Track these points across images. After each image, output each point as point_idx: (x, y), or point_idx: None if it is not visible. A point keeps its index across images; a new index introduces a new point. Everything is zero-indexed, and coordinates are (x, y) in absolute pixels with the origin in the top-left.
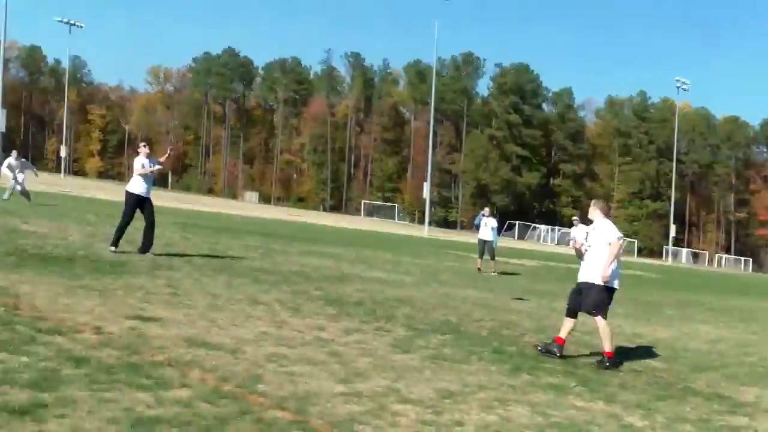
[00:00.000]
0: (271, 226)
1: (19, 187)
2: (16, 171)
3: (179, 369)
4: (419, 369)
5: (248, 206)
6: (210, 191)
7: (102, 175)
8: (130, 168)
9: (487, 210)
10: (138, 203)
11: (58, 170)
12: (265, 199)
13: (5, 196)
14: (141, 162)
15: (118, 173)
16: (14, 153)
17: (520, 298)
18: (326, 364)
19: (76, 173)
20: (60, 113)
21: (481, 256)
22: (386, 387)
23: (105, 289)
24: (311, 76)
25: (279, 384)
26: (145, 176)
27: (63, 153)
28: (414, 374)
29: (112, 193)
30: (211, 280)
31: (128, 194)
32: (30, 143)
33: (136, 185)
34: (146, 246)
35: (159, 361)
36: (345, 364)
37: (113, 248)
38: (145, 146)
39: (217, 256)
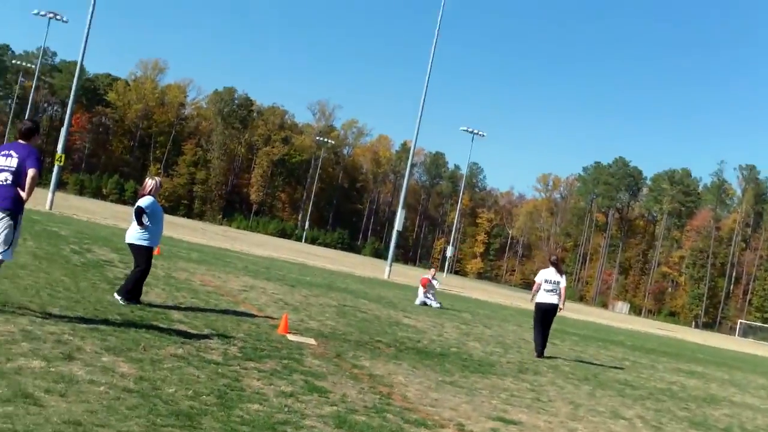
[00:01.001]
0: (640, 339)
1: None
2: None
3: None
4: None
5: (618, 316)
6: (581, 298)
7: (480, 275)
8: (509, 271)
9: None
10: None
11: (441, 269)
12: (635, 310)
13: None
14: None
15: (495, 275)
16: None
17: None
18: None
19: (457, 272)
20: (452, 216)
21: None
22: None
23: (472, 388)
24: (700, 188)
25: None
26: None
27: (449, 253)
28: None
29: (492, 294)
30: (575, 389)
31: None
32: (420, 242)
33: None
34: None
35: None
36: None
37: None
38: None
39: (582, 365)
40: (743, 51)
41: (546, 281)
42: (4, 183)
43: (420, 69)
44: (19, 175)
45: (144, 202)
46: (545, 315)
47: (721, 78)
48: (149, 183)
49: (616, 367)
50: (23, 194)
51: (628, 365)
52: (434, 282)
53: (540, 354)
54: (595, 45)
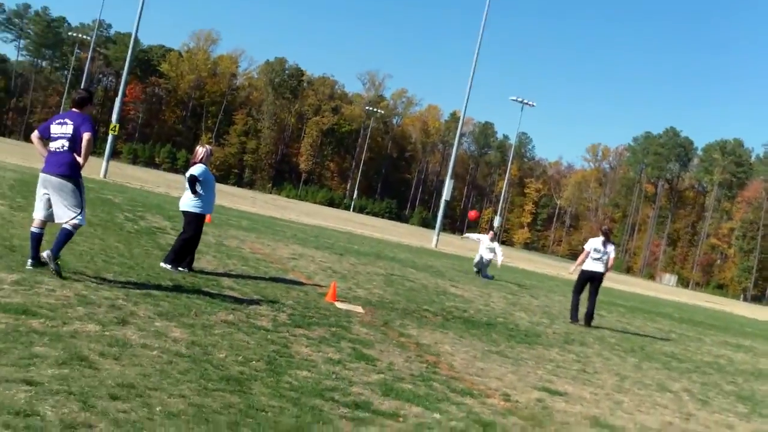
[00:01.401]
0: (687, 311)
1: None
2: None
3: None
4: None
5: (665, 288)
6: (628, 270)
7: (527, 245)
8: (555, 241)
9: None
10: None
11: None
12: (683, 282)
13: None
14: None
15: (542, 245)
16: (490, 234)
17: None
18: None
19: (503, 242)
20: (500, 185)
21: None
22: None
23: (518, 358)
24: (752, 158)
25: None
26: None
27: (496, 223)
28: None
29: (538, 264)
30: (621, 361)
31: None
32: (468, 211)
33: None
34: None
35: None
36: None
37: None
38: None
39: (629, 337)
40: None
41: (595, 250)
42: (61, 149)
43: (470, 39)
44: (74, 141)
45: (196, 170)
46: (589, 282)
47: None
48: (200, 151)
49: (662, 339)
50: (80, 159)
51: (674, 338)
52: (495, 247)
53: (574, 319)
54: (644, 13)
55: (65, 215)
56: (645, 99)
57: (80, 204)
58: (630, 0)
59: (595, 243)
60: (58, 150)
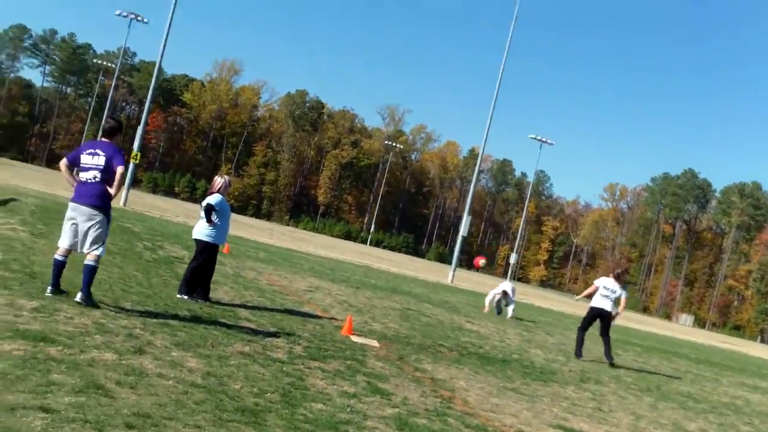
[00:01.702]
0: (704, 352)
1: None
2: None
3: None
4: None
5: (681, 328)
6: (645, 309)
7: (543, 283)
8: (572, 279)
9: None
10: None
11: (504, 275)
12: (699, 323)
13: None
14: None
15: (558, 283)
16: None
17: None
18: None
19: (519, 279)
20: (517, 222)
21: None
22: None
23: (533, 395)
24: None
25: None
26: None
27: (512, 260)
28: None
29: (554, 302)
30: (637, 400)
31: None
32: (484, 248)
33: None
34: None
35: None
36: None
37: None
38: None
39: (645, 376)
40: None
41: (604, 287)
42: (93, 180)
43: (490, 77)
44: (107, 172)
45: (214, 199)
46: (599, 319)
47: None
48: (218, 181)
49: (679, 379)
50: (111, 191)
51: (691, 378)
52: (510, 291)
53: (578, 355)
54: (663, 55)
55: (89, 246)
56: (663, 139)
57: (104, 236)
58: (649, 41)
59: (606, 282)
60: (89, 181)
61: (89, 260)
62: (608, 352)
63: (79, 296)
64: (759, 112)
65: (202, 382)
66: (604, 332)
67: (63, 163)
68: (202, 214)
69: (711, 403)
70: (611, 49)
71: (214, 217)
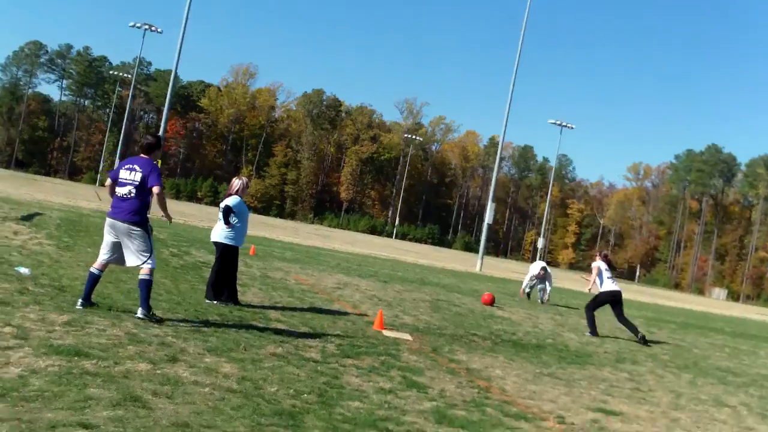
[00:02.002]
0: (739, 325)
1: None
2: (544, 282)
3: None
4: None
5: (715, 303)
6: (677, 286)
7: (572, 266)
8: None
9: None
10: None
11: (533, 260)
12: (733, 296)
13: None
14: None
15: (588, 265)
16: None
17: None
18: None
19: (548, 263)
20: (542, 207)
21: None
22: None
23: (570, 379)
24: None
25: None
26: None
27: (540, 244)
28: None
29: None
30: (675, 378)
31: None
32: (511, 234)
33: None
34: None
35: None
36: None
37: None
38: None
39: (681, 353)
40: None
41: (606, 270)
42: (128, 196)
43: (507, 63)
44: (141, 189)
45: (232, 201)
46: (611, 304)
47: None
48: (236, 183)
49: (716, 354)
50: (152, 206)
51: (728, 352)
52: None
53: (594, 333)
54: (682, 31)
55: (136, 260)
56: (685, 116)
57: (150, 248)
58: (666, 18)
59: (602, 264)
60: (125, 196)
61: (143, 275)
62: (635, 328)
63: (139, 312)
64: None
65: (238, 387)
66: (620, 314)
67: (108, 182)
68: (221, 216)
69: (750, 376)
70: (626, 29)
71: (233, 219)
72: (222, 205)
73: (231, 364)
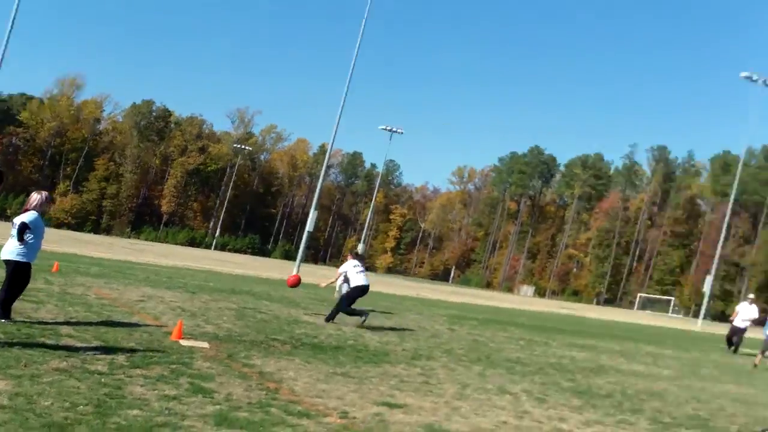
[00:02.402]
0: (540, 319)
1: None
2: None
3: None
4: None
5: (522, 299)
6: (488, 285)
7: (390, 270)
8: (418, 264)
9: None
10: None
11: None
12: (540, 292)
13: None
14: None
15: (405, 268)
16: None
17: None
18: None
19: (366, 269)
20: (365, 213)
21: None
22: None
23: (363, 377)
24: (611, 171)
25: None
26: None
27: (360, 249)
28: None
29: (398, 287)
30: (466, 370)
31: None
32: (332, 241)
33: None
34: None
35: None
36: None
37: None
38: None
39: (477, 347)
40: (653, 36)
41: (354, 266)
42: None
43: (341, 70)
44: None
45: (28, 217)
46: (363, 293)
47: (635, 64)
48: (35, 197)
49: (510, 347)
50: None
51: (522, 344)
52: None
53: (365, 315)
54: (505, 38)
55: None
56: (510, 120)
57: None
58: (487, 25)
59: (354, 263)
60: None
61: None
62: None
63: None
64: (601, 86)
65: (9, 403)
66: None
67: None
68: (14, 232)
69: (538, 364)
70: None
71: (27, 236)
72: (17, 221)
73: (6, 381)
